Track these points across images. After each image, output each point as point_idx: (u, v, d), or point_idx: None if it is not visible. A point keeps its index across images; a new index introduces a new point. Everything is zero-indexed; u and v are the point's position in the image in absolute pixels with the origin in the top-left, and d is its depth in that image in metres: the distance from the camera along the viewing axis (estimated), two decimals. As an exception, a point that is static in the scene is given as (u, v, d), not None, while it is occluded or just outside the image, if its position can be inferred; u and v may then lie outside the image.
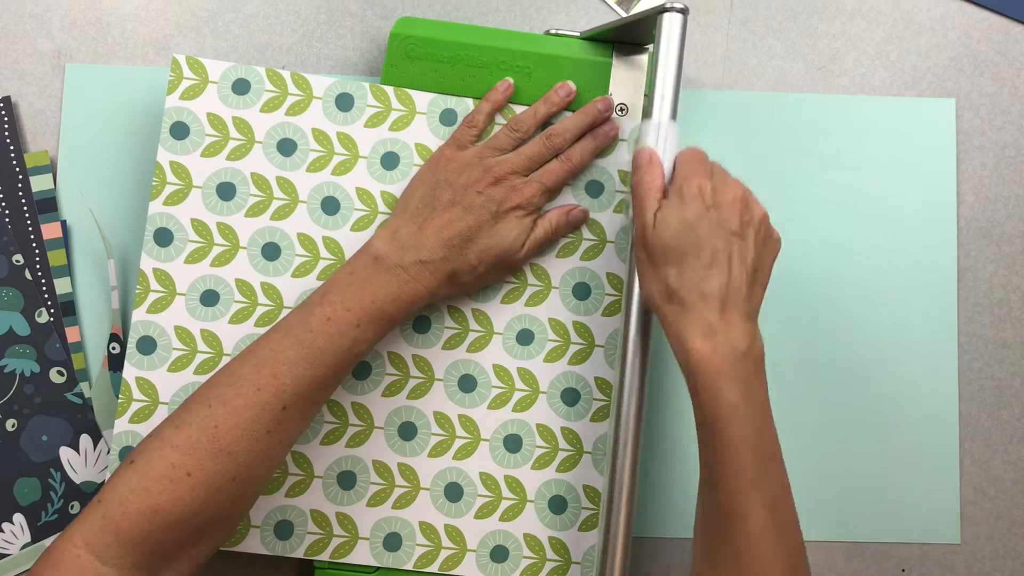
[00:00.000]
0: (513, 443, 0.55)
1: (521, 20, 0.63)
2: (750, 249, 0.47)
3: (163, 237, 0.55)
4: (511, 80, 0.56)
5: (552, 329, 0.56)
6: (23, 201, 0.60)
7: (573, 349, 0.56)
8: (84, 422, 0.58)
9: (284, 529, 0.54)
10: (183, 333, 0.55)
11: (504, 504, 0.55)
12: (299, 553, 0.54)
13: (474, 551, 0.54)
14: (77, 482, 0.58)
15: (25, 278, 0.59)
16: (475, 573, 0.54)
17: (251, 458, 0.46)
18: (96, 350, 0.59)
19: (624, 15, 0.63)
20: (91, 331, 0.60)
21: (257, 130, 0.56)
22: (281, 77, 0.56)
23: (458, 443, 0.55)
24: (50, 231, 0.60)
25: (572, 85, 0.56)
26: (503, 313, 0.56)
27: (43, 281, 0.59)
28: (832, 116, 0.63)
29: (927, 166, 0.63)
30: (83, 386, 0.59)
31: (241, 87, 0.56)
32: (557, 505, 0.55)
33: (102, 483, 0.58)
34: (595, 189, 0.56)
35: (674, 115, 0.51)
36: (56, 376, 0.58)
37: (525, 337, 0.56)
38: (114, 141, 0.61)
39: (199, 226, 0.55)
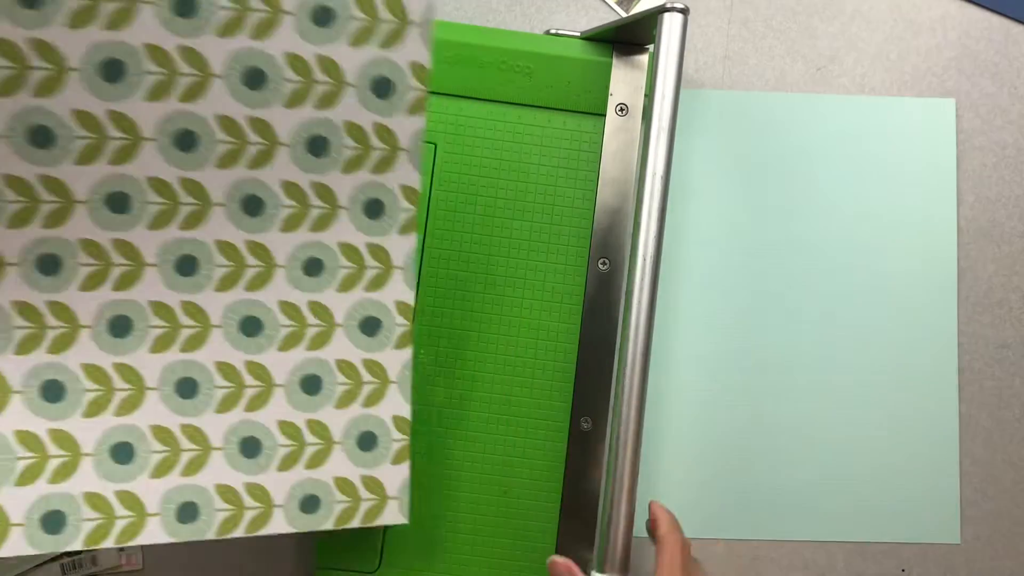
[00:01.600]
0: (312, 384, 0.48)
1: (521, 20, 0.63)
2: None
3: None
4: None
5: (345, 256, 0.48)
6: (23, 201, 0.60)
7: (366, 277, 0.48)
8: (84, 422, 0.58)
9: (54, 521, 0.45)
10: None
11: (309, 450, 0.48)
12: (77, 544, 0.45)
13: (282, 506, 0.47)
14: (77, 482, 0.58)
15: (25, 278, 0.59)
16: (285, 528, 0.47)
17: None
18: (96, 350, 0.59)
19: (624, 15, 0.63)
20: (91, 331, 0.60)
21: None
22: None
23: (249, 392, 0.47)
24: (50, 231, 0.60)
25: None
26: (285, 242, 0.47)
27: (43, 281, 0.59)
28: (832, 116, 0.63)
29: (927, 166, 0.63)
30: (83, 386, 0.59)
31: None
32: (367, 440, 0.49)
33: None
34: (382, 87, 0.47)
35: (674, 115, 0.51)
36: (56, 376, 0.58)
37: (314, 267, 0.47)
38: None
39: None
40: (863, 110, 0.63)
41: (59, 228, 0.44)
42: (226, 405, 0.47)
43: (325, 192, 0.47)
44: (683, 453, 0.60)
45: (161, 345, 0.46)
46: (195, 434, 0.46)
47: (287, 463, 0.48)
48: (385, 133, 0.47)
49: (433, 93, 0.57)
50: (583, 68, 0.58)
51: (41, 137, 0.43)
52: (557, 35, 0.59)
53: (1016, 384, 0.62)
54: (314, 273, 0.47)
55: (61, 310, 0.45)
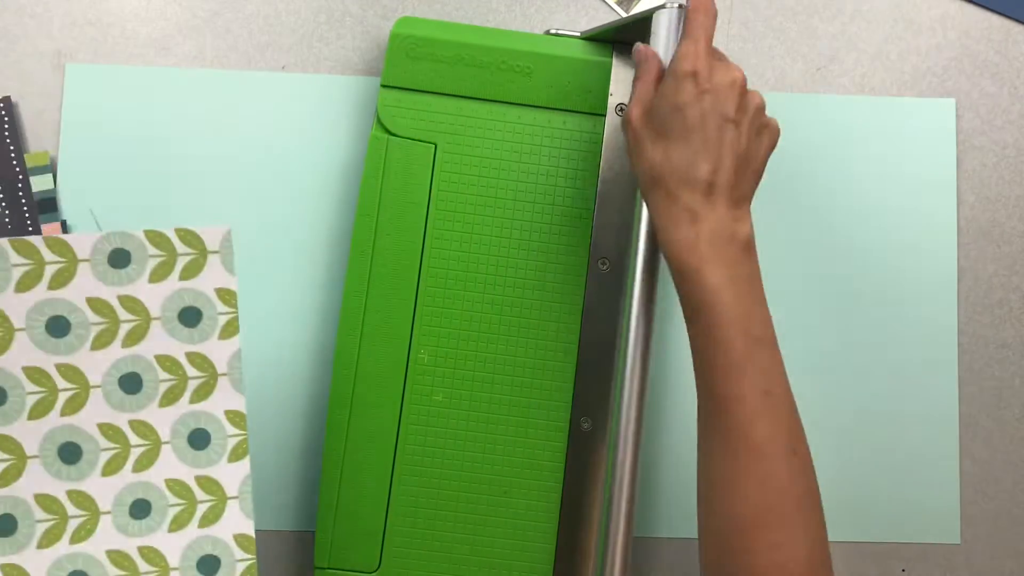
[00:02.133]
0: (140, 508, 0.46)
1: (521, 20, 0.63)
2: (743, 136, 0.46)
3: None
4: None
5: (173, 493, 0.47)
6: (23, 201, 0.60)
7: (201, 509, 0.47)
8: (84, 422, 0.58)
9: None
10: None
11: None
12: None
13: None
14: (77, 482, 0.58)
15: (25, 278, 0.59)
16: None
17: None
18: (96, 350, 0.59)
19: (624, 15, 0.63)
20: (91, 331, 0.60)
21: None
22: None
23: (72, 524, 0.45)
24: (50, 231, 0.60)
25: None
26: (109, 488, 0.46)
27: (43, 281, 0.59)
28: (832, 116, 0.63)
29: (927, 166, 0.63)
30: (83, 386, 0.59)
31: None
32: (208, 565, 0.47)
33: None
34: (191, 316, 0.47)
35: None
36: (56, 376, 0.58)
37: (140, 509, 0.46)
38: (114, 141, 0.61)
39: None
40: (863, 110, 0.63)
41: None
42: (46, 541, 0.45)
43: (145, 428, 0.46)
44: (683, 453, 0.60)
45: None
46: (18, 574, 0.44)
47: None
48: (200, 360, 0.47)
49: (433, 93, 0.58)
50: (583, 68, 0.58)
51: None
52: (557, 35, 0.59)
53: (1016, 384, 0.62)
54: (141, 516, 0.46)
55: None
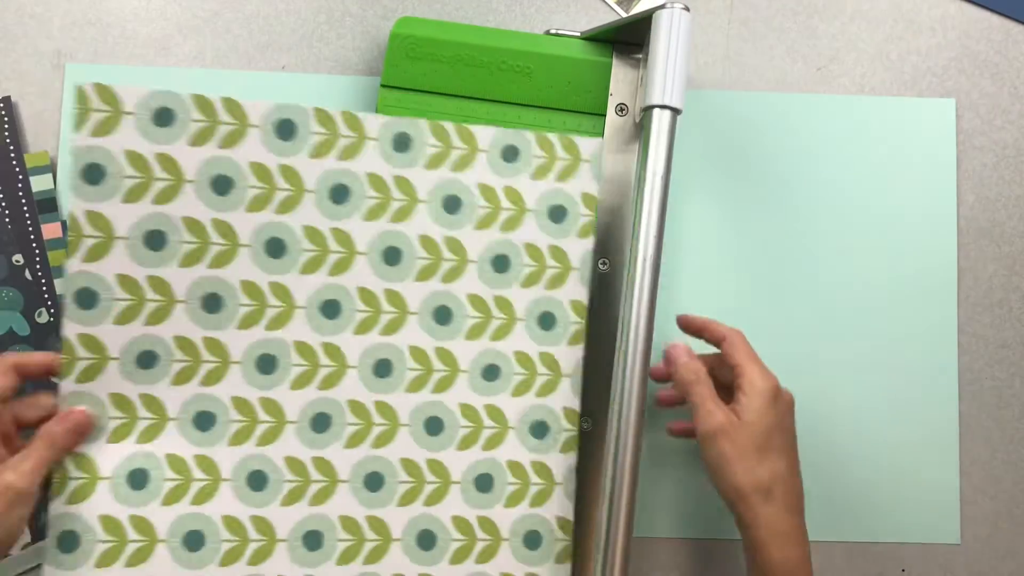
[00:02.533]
0: (484, 482, 0.53)
1: (521, 20, 0.63)
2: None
3: (86, 298, 0.48)
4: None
5: (518, 362, 0.54)
6: (23, 201, 0.60)
7: (540, 380, 0.54)
8: (84, 422, 0.58)
9: (195, 540, 0.50)
10: (121, 401, 0.49)
11: (480, 546, 0.53)
12: (214, 566, 0.50)
13: None
14: (77, 482, 0.58)
15: (25, 278, 0.59)
16: None
17: None
18: (96, 350, 0.59)
19: (624, 15, 0.63)
20: (91, 331, 0.60)
21: (186, 168, 0.50)
22: (210, 103, 0.49)
23: (428, 488, 0.52)
24: (50, 231, 0.60)
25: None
26: (468, 349, 0.53)
27: (43, 281, 0.59)
28: (832, 116, 0.63)
29: (927, 166, 0.63)
30: (83, 386, 0.59)
31: (164, 117, 0.49)
32: (532, 540, 0.53)
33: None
34: (557, 214, 0.54)
35: (674, 115, 0.51)
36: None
37: (491, 372, 0.53)
38: (114, 141, 0.61)
39: (127, 282, 0.49)
40: (863, 110, 0.63)
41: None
42: (407, 499, 0.52)
43: (504, 304, 0.53)
44: (682, 454, 0.60)
45: (354, 441, 0.52)
46: (379, 526, 0.52)
47: (458, 556, 0.53)
48: (558, 253, 0.54)
49: (433, 93, 0.57)
50: (583, 68, 0.58)
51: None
52: (557, 35, 0.59)
53: (1016, 384, 0.62)
54: (491, 378, 0.53)
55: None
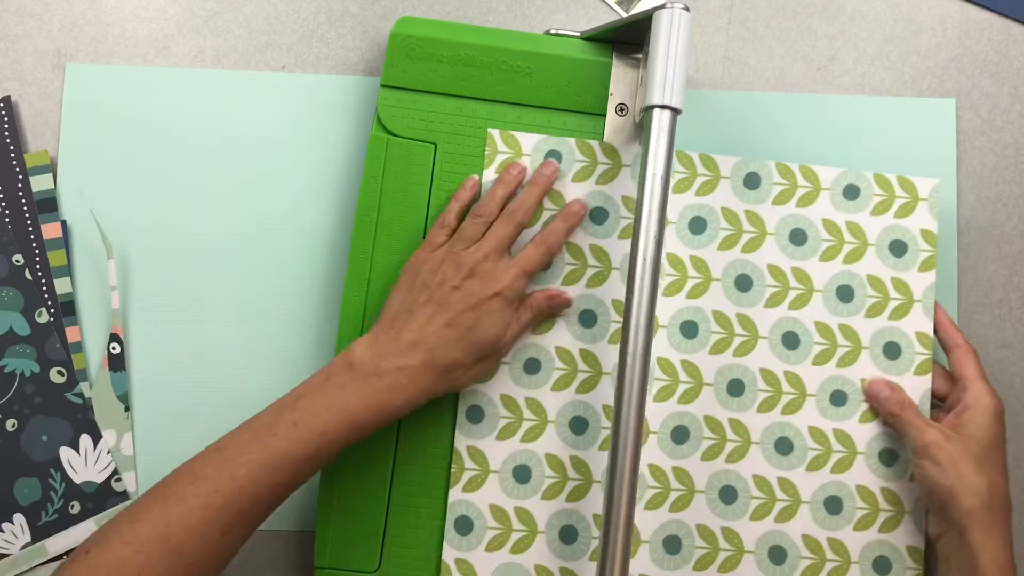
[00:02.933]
0: (834, 505, 0.56)
1: (521, 20, 0.63)
2: None
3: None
4: (476, 177, 0.56)
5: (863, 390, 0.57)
6: (23, 201, 0.60)
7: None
8: (84, 422, 0.58)
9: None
10: (508, 401, 0.56)
11: (829, 566, 0.56)
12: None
13: None
14: (77, 482, 0.58)
15: (25, 278, 0.59)
16: None
17: (202, 559, 0.45)
18: (96, 350, 0.59)
19: (624, 15, 0.63)
20: (91, 331, 0.60)
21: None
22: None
23: (779, 506, 0.56)
24: (50, 231, 0.60)
25: (523, 163, 0.57)
26: (816, 374, 0.57)
27: (43, 281, 0.59)
28: (832, 116, 0.63)
29: (927, 166, 0.63)
30: (83, 386, 0.59)
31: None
32: (882, 566, 0.56)
33: (101, 483, 0.58)
34: (898, 248, 0.58)
35: (674, 115, 0.51)
36: (56, 376, 0.58)
37: (838, 398, 0.57)
38: (114, 141, 0.61)
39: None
40: (863, 110, 0.63)
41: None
42: (758, 514, 0.56)
43: (850, 333, 0.57)
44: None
45: (710, 454, 0.56)
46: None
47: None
48: (901, 285, 0.57)
49: (433, 93, 0.57)
50: (583, 68, 0.58)
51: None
52: (557, 35, 0.59)
53: (1016, 384, 0.62)
54: (839, 404, 0.57)
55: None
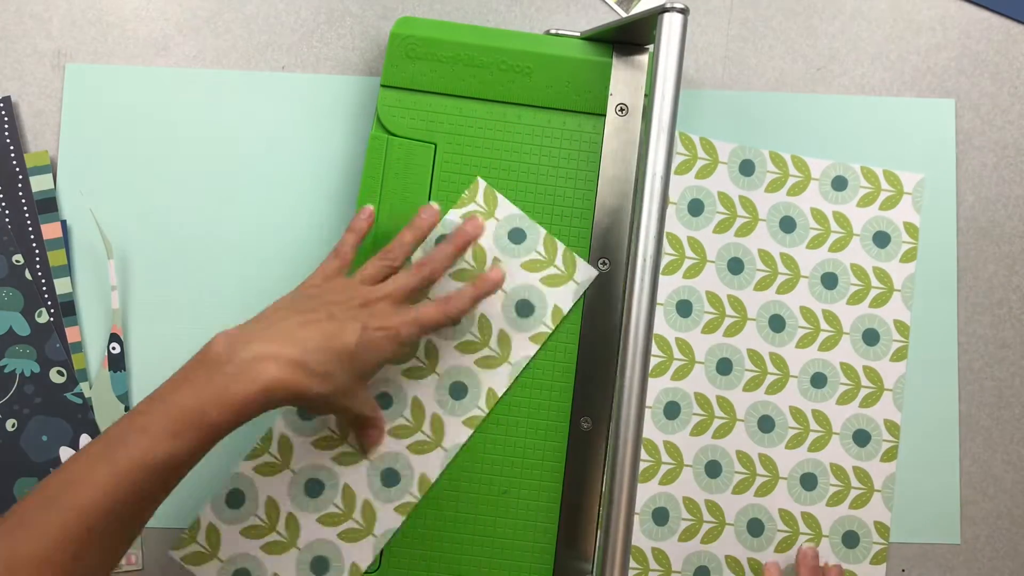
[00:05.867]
0: (808, 481, 0.59)
1: (521, 20, 0.63)
2: None
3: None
4: (371, 207, 0.55)
5: (843, 373, 0.59)
6: (23, 201, 0.60)
7: (863, 393, 0.59)
8: (84, 422, 0.58)
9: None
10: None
11: (802, 539, 0.58)
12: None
13: None
14: (77, 482, 0.58)
15: (25, 278, 0.59)
16: None
17: None
18: (96, 350, 0.59)
19: (624, 15, 0.63)
20: (91, 331, 0.60)
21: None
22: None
23: (759, 480, 0.59)
24: (50, 231, 0.60)
25: (435, 206, 0.55)
26: (799, 356, 0.59)
27: (43, 281, 0.59)
28: (832, 116, 0.63)
29: (927, 166, 0.63)
30: (83, 386, 0.59)
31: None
32: (850, 539, 0.59)
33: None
34: (881, 239, 0.60)
35: (674, 115, 0.51)
36: (56, 376, 0.58)
37: (818, 380, 0.59)
38: (114, 141, 0.61)
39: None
40: (863, 110, 0.63)
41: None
42: (739, 488, 0.58)
43: (832, 318, 0.59)
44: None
45: (698, 430, 0.58)
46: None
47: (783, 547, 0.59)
48: (882, 275, 0.60)
49: (433, 93, 0.58)
50: (583, 68, 0.58)
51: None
52: (557, 35, 0.59)
53: (1016, 384, 0.62)
54: (819, 385, 0.59)
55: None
